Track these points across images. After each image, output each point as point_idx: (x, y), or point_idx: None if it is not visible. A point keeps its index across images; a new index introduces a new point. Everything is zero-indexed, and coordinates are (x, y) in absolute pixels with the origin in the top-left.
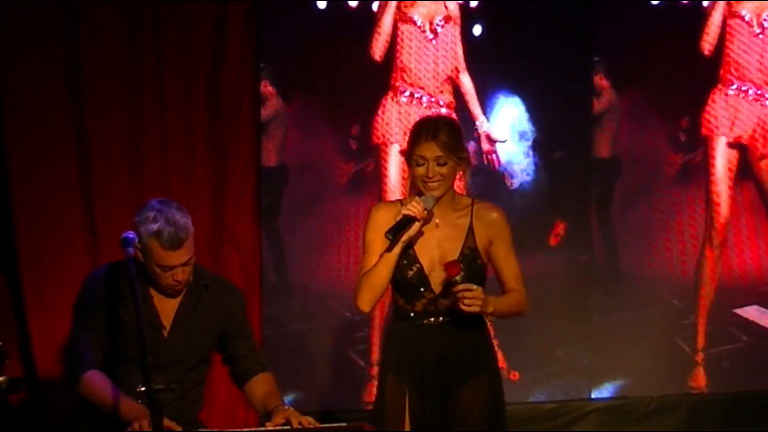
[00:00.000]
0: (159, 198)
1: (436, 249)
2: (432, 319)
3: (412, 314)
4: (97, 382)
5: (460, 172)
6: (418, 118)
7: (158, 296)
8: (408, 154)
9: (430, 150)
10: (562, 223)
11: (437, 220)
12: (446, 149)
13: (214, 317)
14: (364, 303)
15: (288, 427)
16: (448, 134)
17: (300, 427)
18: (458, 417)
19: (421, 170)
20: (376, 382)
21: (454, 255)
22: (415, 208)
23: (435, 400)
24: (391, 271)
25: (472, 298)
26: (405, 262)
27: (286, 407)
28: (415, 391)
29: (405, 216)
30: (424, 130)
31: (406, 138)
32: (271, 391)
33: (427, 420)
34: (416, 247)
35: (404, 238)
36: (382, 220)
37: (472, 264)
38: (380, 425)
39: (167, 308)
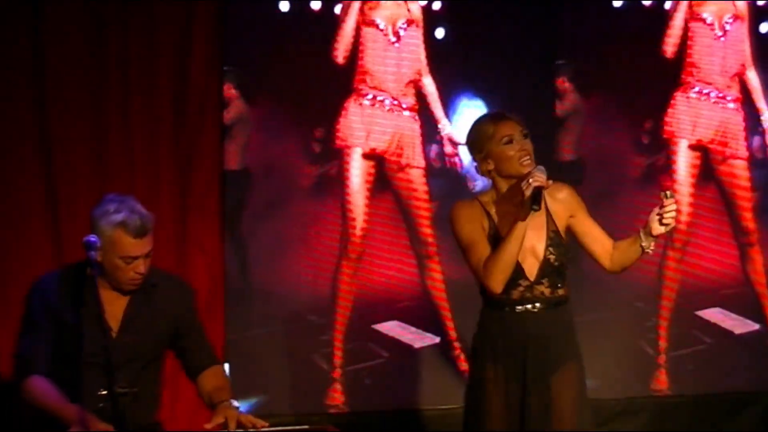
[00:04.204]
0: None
1: (524, 237)
2: (529, 306)
3: (509, 302)
4: (39, 388)
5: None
6: (380, 121)
7: (106, 297)
8: (486, 144)
9: (512, 127)
10: None
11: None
12: (523, 124)
13: (163, 316)
14: (499, 284)
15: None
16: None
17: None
18: (557, 404)
19: (513, 148)
20: (468, 373)
21: (541, 241)
22: (540, 178)
23: (535, 388)
24: (521, 246)
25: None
26: None
27: (231, 404)
28: (515, 381)
29: (536, 187)
30: (495, 115)
31: (368, 139)
32: (220, 385)
33: (528, 408)
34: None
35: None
36: (471, 213)
37: (559, 246)
38: (480, 415)
39: (115, 309)
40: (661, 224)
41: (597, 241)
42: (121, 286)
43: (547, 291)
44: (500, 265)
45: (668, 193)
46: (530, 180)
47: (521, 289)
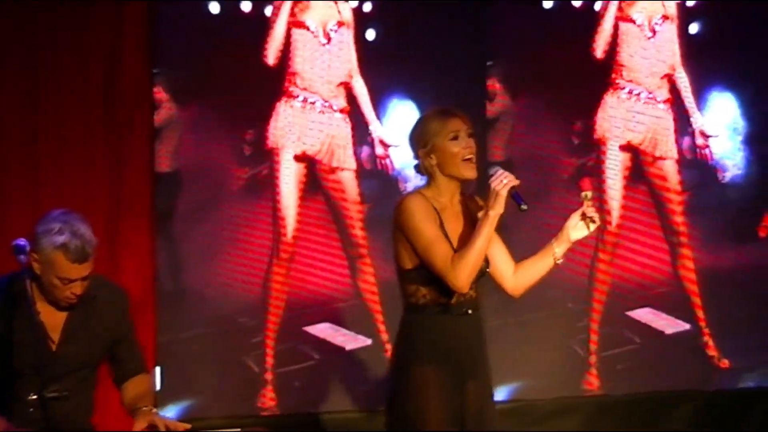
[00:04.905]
0: (59, 208)
1: (456, 241)
2: (464, 310)
3: (447, 307)
4: None
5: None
6: (311, 123)
7: (45, 309)
8: (432, 138)
9: (459, 124)
10: None
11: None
12: (470, 123)
13: (103, 326)
14: (468, 283)
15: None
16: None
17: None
18: (486, 407)
19: (459, 144)
20: (406, 378)
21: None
22: (511, 178)
23: (472, 392)
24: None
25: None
26: None
27: (153, 410)
28: (455, 386)
29: (512, 187)
30: (443, 110)
31: (299, 141)
32: (143, 393)
33: (467, 412)
34: (450, 237)
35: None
36: (426, 208)
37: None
38: (424, 422)
39: (55, 321)
40: (586, 225)
41: (502, 260)
42: (56, 302)
43: (474, 295)
44: (472, 263)
45: (588, 194)
46: (503, 180)
47: (458, 293)
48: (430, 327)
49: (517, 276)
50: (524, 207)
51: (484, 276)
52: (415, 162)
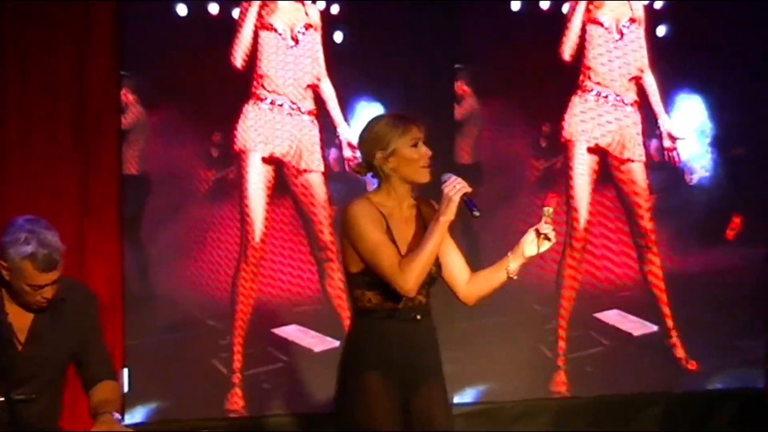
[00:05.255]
0: (25, 216)
1: (404, 245)
2: (413, 315)
3: (394, 311)
4: None
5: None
6: (279, 126)
7: (14, 310)
8: (393, 142)
9: (420, 131)
10: None
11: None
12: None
13: (70, 328)
14: (416, 288)
15: None
16: None
17: None
18: (435, 412)
19: (419, 152)
20: (354, 385)
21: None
22: (464, 184)
23: (418, 397)
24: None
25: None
26: None
27: (112, 416)
28: (401, 390)
29: (465, 194)
30: (405, 116)
31: (267, 144)
32: (108, 399)
33: (413, 420)
34: (398, 242)
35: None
36: (371, 213)
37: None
38: (370, 427)
39: (23, 322)
40: (538, 243)
41: (456, 265)
42: (27, 306)
43: (423, 300)
44: (420, 267)
45: (549, 210)
46: (456, 186)
47: (405, 298)
48: (376, 332)
49: (470, 285)
50: (476, 213)
51: (435, 282)
52: (362, 161)
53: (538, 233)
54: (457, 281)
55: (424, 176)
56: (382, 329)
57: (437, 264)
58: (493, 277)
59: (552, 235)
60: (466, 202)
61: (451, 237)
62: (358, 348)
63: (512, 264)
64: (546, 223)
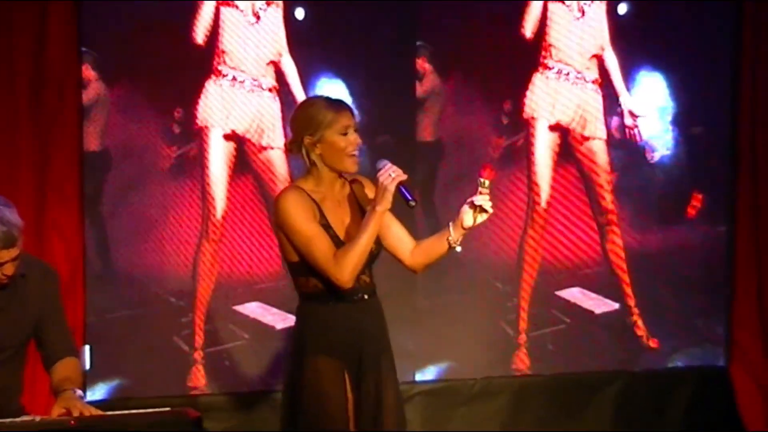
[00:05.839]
0: None
1: (341, 228)
2: (360, 295)
3: (340, 294)
4: None
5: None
6: (240, 102)
7: None
8: (321, 129)
9: (350, 118)
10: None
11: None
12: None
13: (31, 305)
14: (353, 279)
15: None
16: None
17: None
18: (386, 393)
19: (347, 140)
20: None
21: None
22: (399, 172)
23: (368, 378)
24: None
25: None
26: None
27: (73, 393)
28: (350, 372)
29: (400, 182)
30: (335, 102)
31: (228, 120)
32: (69, 376)
33: (363, 400)
34: (334, 226)
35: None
36: (304, 202)
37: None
38: (320, 410)
39: None
40: (474, 215)
41: (399, 238)
42: None
43: (367, 279)
44: (356, 259)
45: (485, 181)
46: (392, 174)
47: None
48: (323, 314)
49: (414, 255)
50: (412, 203)
51: (377, 259)
52: (289, 142)
53: (473, 205)
54: (400, 251)
55: (350, 165)
56: (329, 312)
57: (376, 241)
58: (436, 246)
59: (488, 206)
60: (401, 190)
61: (392, 213)
62: (306, 332)
63: (453, 234)
64: (481, 194)
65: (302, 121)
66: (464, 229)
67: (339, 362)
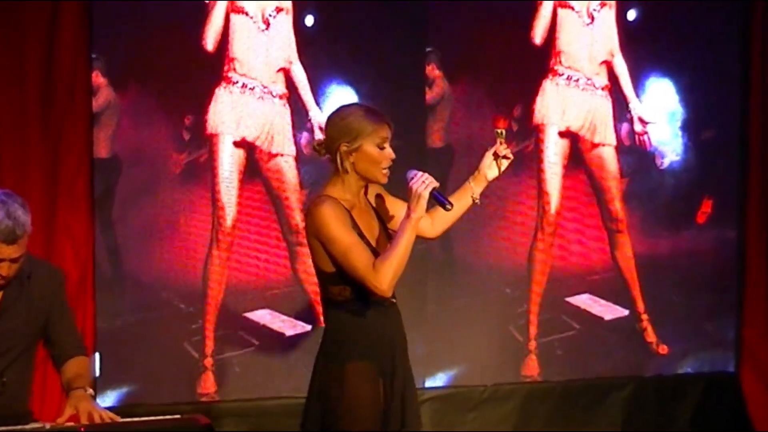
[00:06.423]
0: (3, 189)
1: (372, 236)
2: (389, 301)
3: (374, 300)
4: None
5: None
6: (250, 109)
7: None
8: (361, 138)
9: (388, 132)
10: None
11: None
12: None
13: (37, 305)
14: (391, 287)
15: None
16: None
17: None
18: (408, 396)
19: (383, 155)
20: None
21: (384, 239)
22: (432, 180)
23: (398, 384)
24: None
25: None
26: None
27: (85, 392)
28: (386, 377)
29: (434, 187)
30: (377, 114)
31: (238, 127)
32: (79, 373)
33: (392, 404)
34: (366, 234)
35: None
36: (340, 212)
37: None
38: (359, 415)
39: None
40: (498, 164)
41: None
42: None
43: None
44: (396, 267)
45: (501, 131)
46: (425, 182)
47: None
48: (360, 321)
49: (435, 225)
50: (449, 207)
51: None
52: (323, 143)
53: (496, 156)
54: (425, 232)
55: (381, 177)
56: (365, 319)
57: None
58: (459, 206)
59: (509, 152)
60: (436, 196)
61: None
62: (343, 339)
63: (475, 188)
64: (501, 144)
65: (341, 127)
66: (488, 180)
67: (377, 368)
